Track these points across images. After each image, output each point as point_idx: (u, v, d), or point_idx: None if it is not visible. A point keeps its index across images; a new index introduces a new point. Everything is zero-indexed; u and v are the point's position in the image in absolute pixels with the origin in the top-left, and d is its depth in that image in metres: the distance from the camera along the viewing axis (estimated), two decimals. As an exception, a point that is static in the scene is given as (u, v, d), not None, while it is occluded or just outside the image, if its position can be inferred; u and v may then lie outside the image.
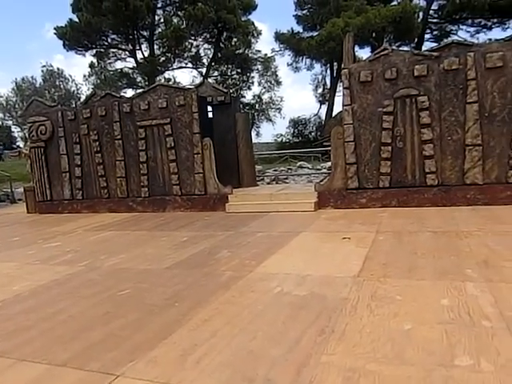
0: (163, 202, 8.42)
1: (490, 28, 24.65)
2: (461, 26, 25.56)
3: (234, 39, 31.06)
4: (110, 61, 31.53)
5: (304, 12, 27.90)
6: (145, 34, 30.28)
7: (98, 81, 31.15)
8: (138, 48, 30.56)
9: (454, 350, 2.17)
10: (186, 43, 30.18)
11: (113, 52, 31.25)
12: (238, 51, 30.88)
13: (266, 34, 53.49)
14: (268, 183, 12.82)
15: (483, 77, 6.10)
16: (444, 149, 6.38)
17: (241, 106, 31.00)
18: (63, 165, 9.37)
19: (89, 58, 32.71)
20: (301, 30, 28.48)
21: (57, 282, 4.05)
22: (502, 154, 6.12)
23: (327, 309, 2.86)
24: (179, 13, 29.23)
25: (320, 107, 32.60)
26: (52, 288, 3.88)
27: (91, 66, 31.66)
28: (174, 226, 6.77)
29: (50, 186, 9.62)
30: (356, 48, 26.53)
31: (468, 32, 25.51)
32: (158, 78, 29.48)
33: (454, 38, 25.71)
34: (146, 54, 30.34)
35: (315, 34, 25.66)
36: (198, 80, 30.94)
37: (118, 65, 31.80)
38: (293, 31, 28.49)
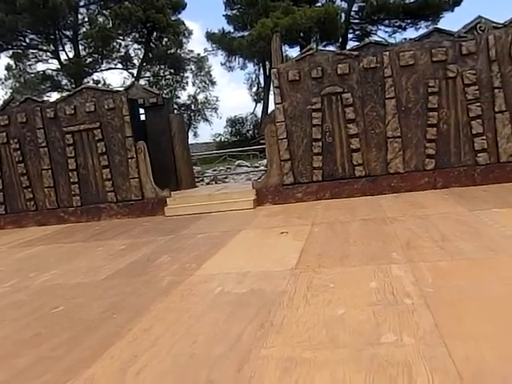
0: (98, 211, 8.11)
1: (405, 28, 26.53)
2: (379, 27, 27.25)
3: (165, 39, 30.48)
4: (29, 62, 29.53)
5: (234, 12, 28.08)
6: (68, 33, 28.76)
7: (17, 84, 29.01)
8: (61, 49, 28.96)
9: (381, 328, 2.35)
10: (114, 43, 29.11)
11: (32, 53, 29.30)
12: (169, 51, 30.35)
13: (199, 34, 53.23)
14: (207, 184, 12.79)
15: (398, 74, 6.59)
16: (368, 142, 6.81)
17: (176, 106, 30.62)
18: (-20, 178, 8.68)
19: (5, 59, 30.43)
20: (232, 30, 28.66)
21: (-21, 307, 3.76)
22: (418, 144, 6.67)
23: (266, 303, 2.95)
24: (105, 12, 28.11)
25: (256, 106, 33.09)
26: (-27, 314, 3.59)
27: (8, 68, 29.42)
28: (110, 235, 6.55)
29: (-34, 202, 8.85)
30: (286, 47, 27.25)
31: (386, 32, 27.25)
32: (85, 80, 28.14)
33: (375, 37, 27.33)
34: (71, 55, 28.85)
35: (246, 33, 25.92)
36: (130, 81, 29.99)
37: (40, 67, 29.90)
38: (224, 31, 28.60)
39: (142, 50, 30.97)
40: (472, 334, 2.16)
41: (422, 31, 24.61)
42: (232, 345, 2.40)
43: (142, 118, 9.09)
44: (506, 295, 2.60)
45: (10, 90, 29.24)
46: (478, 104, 6.51)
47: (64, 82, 29.72)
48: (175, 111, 30.16)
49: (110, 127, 7.93)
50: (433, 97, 6.59)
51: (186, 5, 29.90)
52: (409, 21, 26.03)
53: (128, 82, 29.74)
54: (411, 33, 26.22)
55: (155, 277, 3.97)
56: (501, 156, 6.51)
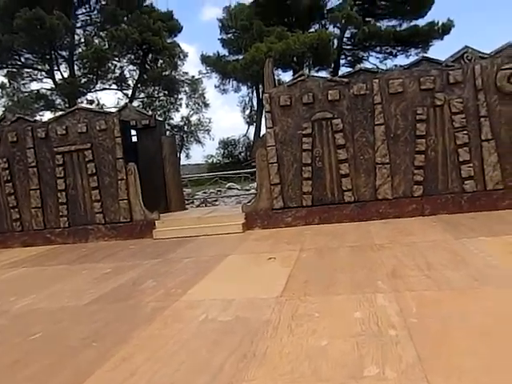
0: (85, 232, 8.01)
1: (396, 55, 27.23)
2: (371, 53, 27.90)
3: (160, 61, 30.85)
4: (24, 81, 29.61)
5: (229, 36, 28.65)
6: (64, 53, 29.01)
7: (10, 103, 29.02)
8: (56, 68, 29.13)
9: (364, 360, 2.32)
10: (109, 64, 29.39)
11: (27, 72, 29.42)
12: (164, 73, 30.68)
13: (194, 56, 53.89)
14: (197, 206, 12.74)
15: (387, 101, 6.72)
16: (358, 167, 6.87)
17: (169, 128, 30.76)
18: (-33, 197, 8.56)
19: (-1, 78, 30.48)
20: (226, 54, 29.16)
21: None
22: (406, 170, 6.75)
23: (250, 333, 2.91)
24: (101, 33, 28.51)
25: (248, 128, 33.35)
26: None
27: (2, 86, 29.46)
28: (96, 258, 6.47)
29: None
30: (279, 72, 27.76)
31: (378, 58, 27.90)
32: (79, 100, 28.25)
33: (366, 63, 28.00)
34: (66, 75, 29.03)
35: (240, 57, 26.39)
36: (124, 102, 30.17)
37: (34, 86, 29.99)
38: (219, 54, 29.05)
39: (137, 72, 31.28)
40: (455, 369, 2.14)
41: (412, 58, 25.26)
42: (214, 375, 2.36)
43: (134, 139, 9.11)
44: (489, 327, 2.59)
45: (3, 109, 29.25)
46: (465, 132, 6.62)
47: (58, 101, 29.80)
48: (168, 133, 30.34)
49: (101, 148, 7.93)
50: (421, 124, 6.70)
51: (182, 28, 30.48)
52: (399, 48, 26.75)
53: (122, 103, 29.92)
54: (402, 59, 26.93)
55: (140, 302, 3.91)
56: (487, 184, 6.58)
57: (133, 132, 9.06)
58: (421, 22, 25.33)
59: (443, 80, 6.65)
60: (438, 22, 24.80)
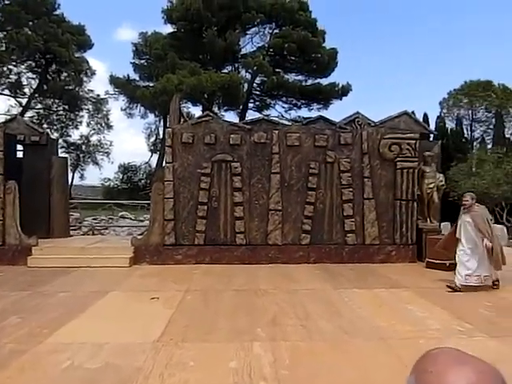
0: None
1: (300, 107, 29.32)
2: (278, 102, 29.69)
3: (64, 74, 29.05)
4: None
5: (142, 61, 28.22)
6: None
7: None
8: None
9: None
10: (4, 68, 26.82)
11: None
12: (67, 87, 28.87)
13: (104, 74, 51.62)
14: (84, 234, 11.87)
15: (285, 152, 7.15)
16: (252, 211, 7.10)
17: (65, 145, 28.63)
18: None
19: None
20: (137, 78, 28.54)
21: None
22: (296, 219, 7.15)
23: (118, 382, 2.73)
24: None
25: (151, 156, 32.55)
26: None
27: None
28: (-50, 285, 5.59)
29: None
30: (189, 105, 27.96)
31: (283, 108, 29.74)
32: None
33: (273, 110, 29.68)
34: None
35: (151, 84, 26.06)
36: (17, 110, 27.52)
37: None
38: (129, 78, 28.28)
39: (37, 80, 29.01)
40: (313, 423, 2.24)
41: (314, 112, 27.49)
42: None
43: (20, 155, 8.30)
44: (355, 381, 2.77)
45: None
46: (351, 189, 7.27)
47: None
48: (64, 149, 28.26)
49: (-23, 161, 7.05)
50: (313, 177, 7.21)
51: (92, 45, 29.22)
52: (304, 101, 28.90)
53: (15, 111, 27.25)
54: (305, 112, 29.05)
55: (-6, 343, 3.44)
56: (366, 238, 7.25)
57: (19, 147, 8.26)
58: (324, 81, 27.90)
59: (335, 140, 7.30)
60: (338, 84, 27.53)
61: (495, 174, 13.35)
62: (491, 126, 26.18)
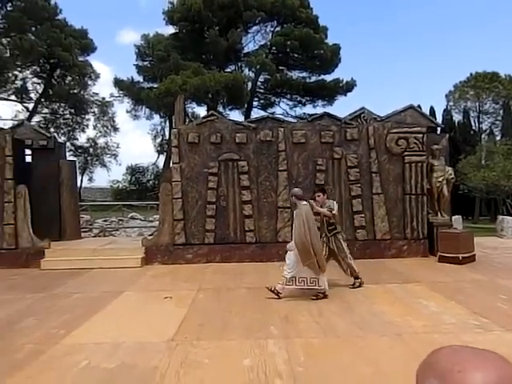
0: (-43, 259, 7.02)
1: (304, 104, 29.26)
2: (282, 99, 29.65)
3: (69, 78, 29.24)
4: None
5: (145, 63, 28.29)
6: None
7: None
8: None
9: (248, 412, 2.33)
10: (10, 74, 27.05)
11: None
12: (72, 91, 29.07)
13: (109, 77, 51.97)
14: (95, 236, 11.96)
15: (291, 150, 7.15)
16: (260, 209, 7.11)
17: (73, 148, 28.79)
18: None
19: None
20: (141, 80, 28.64)
21: None
22: (305, 216, 7.12)
23: (135, 381, 2.77)
24: (3, 40, 26.25)
25: (158, 157, 32.66)
26: None
27: None
28: (-34, 290, 5.67)
29: None
30: (193, 105, 28.01)
31: (288, 105, 29.70)
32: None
33: (277, 108, 29.66)
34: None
35: (155, 85, 26.12)
36: (24, 115, 27.76)
37: None
38: (133, 80, 28.39)
39: (42, 85, 29.23)
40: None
41: (319, 109, 27.37)
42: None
43: (28, 159, 8.38)
44: (368, 378, 2.77)
45: None
46: (359, 185, 7.24)
47: None
48: (71, 153, 28.46)
49: (-13, 166, 7.15)
50: (320, 174, 7.20)
51: (95, 48, 29.36)
52: (308, 98, 28.82)
53: (22, 116, 27.50)
54: (309, 109, 28.96)
55: (12, 344, 3.51)
56: (376, 233, 7.22)
57: (28, 152, 8.35)
58: (328, 78, 27.81)
59: (341, 136, 7.27)
60: (342, 80, 27.42)
61: (505, 165, 13.22)
62: (499, 118, 25.94)
